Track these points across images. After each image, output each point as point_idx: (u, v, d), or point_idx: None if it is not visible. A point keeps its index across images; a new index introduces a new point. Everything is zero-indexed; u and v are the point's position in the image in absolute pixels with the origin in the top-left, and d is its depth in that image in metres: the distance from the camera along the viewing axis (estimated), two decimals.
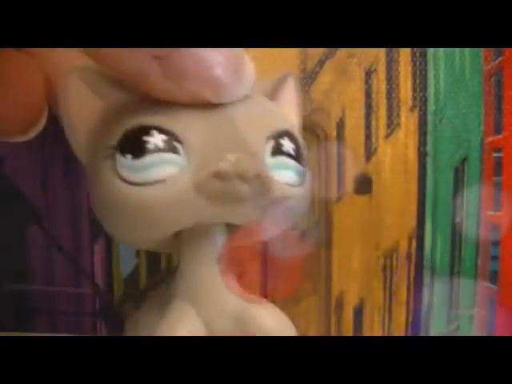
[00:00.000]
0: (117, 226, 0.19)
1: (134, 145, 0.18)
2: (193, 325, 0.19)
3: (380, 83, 0.28)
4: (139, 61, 0.17)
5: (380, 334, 0.29)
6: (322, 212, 0.28)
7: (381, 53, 0.28)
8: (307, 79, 0.28)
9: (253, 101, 0.20)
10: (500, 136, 0.28)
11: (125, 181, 0.18)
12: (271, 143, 0.19)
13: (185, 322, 0.19)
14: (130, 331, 0.22)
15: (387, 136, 0.28)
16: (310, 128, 0.28)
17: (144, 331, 0.20)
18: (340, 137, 0.28)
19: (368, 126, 0.28)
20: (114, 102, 0.19)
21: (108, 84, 0.19)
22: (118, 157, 0.18)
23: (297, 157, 0.19)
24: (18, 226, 0.29)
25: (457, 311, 0.29)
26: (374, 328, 0.29)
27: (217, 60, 0.17)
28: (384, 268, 0.29)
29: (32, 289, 0.29)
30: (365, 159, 0.28)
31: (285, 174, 0.19)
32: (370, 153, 0.28)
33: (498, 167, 0.28)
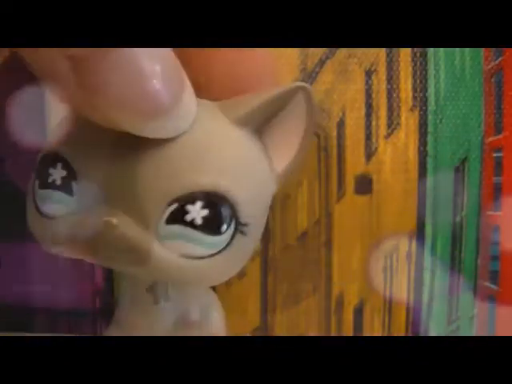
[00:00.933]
0: None
1: (42, 173, 0.17)
2: None
3: (380, 83, 0.28)
4: (50, 60, 0.14)
5: (380, 334, 0.29)
6: (322, 212, 0.28)
7: (381, 53, 0.28)
8: (307, 79, 0.28)
9: (186, 139, 0.16)
10: (500, 136, 0.28)
11: (34, 203, 0.17)
12: (173, 207, 0.16)
13: None
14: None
15: (387, 136, 0.28)
16: None
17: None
18: (340, 137, 0.28)
19: (368, 126, 0.28)
20: None
21: None
22: (36, 177, 0.17)
23: (210, 226, 0.16)
24: (18, 226, 0.29)
25: (457, 311, 0.29)
26: (374, 328, 0.29)
27: (151, 73, 0.14)
28: (384, 268, 0.29)
29: (32, 289, 0.29)
30: (365, 159, 0.28)
31: (183, 244, 0.16)
32: (370, 153, 0.28)
33: (498, 167, 0.28)
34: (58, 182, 0.17)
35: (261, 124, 0.17)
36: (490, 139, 0.28)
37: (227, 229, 0.16)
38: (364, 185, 0.28)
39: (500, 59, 0.28)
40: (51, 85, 0.15)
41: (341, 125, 0.28)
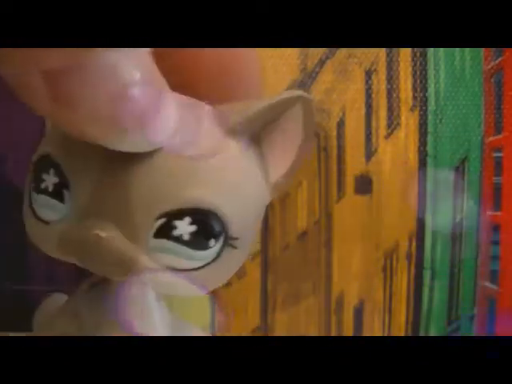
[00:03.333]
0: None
1: (36, 177, 0.17)
2: None
3: (380, 83, 0.28)
4: (24, 72, 0.13)
5: (380, 334, 0.29)
6: (322, 212, 0.29)
7: (381, 53, 0.28)
8: (307, 79, 0.28)
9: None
10: (500, 136, 0.28)
11: (30, 206, 0.17)
12: (161, 222, 0.15)
13: None
14: (44, 325, 0.22)
15: (387, 136, 0.28)
16: None
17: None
18: (340, 137, 0.28)
19: (368, 126, 0.28)
20: None
21: None
22: (32, 179, 0.17)
23: (197, 241, 0.16)
24: (18, 226, 0.29)
25: (457, 311, 0.29)
26: (374, 328, 0.29)
27: (128, 85, 0.13)
28: (384, 268, 0.29)
29: (32, 289, 0.29)
30: (365, 159, 0.28)
31: (169, 257, 0.16)
32: (370, 153, 0.28)
33: (498, 167, 0.28)
34: (50, 189, 0.16)
35: (257, 133, 0.17)
36: (490, 139, 0.28)
37: (216, 243, 0.16)
38: (364, 185, 0.28)
39: (500, 59, 0.28)
40: (25, 97, 0.14)
41: (341, 125, 0.28)
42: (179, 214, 0.15)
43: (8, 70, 0.13)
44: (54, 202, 0.17)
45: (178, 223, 0.15)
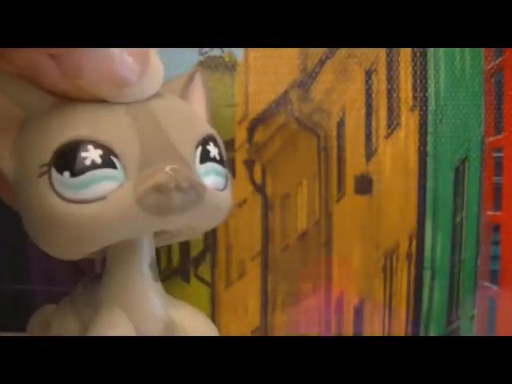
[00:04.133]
0: (52, 243, 0.19)
1: (71, 161, 0.17)
2: (125, 328, 0.19)
3: (380, 83, 0.28)
4: (34, 58, 0.17)
5: (380, 334, 0.29)
6: (322, 212, 0.29)
7: (381, 53, 0.28)
8: (307, 79, 0.28)
9: (174, 103, 0.20)
10: (500, 136, 0.28)
11: (63, 198, 0.17)
12: (199, 150, 0.19)
13: (117, 325, 0.19)
14: (39, 330, 0.23)
15: (387, 136, 0.28)
16: (310, 128, 0.28)
17: (59, 332, 0.21)
18: (340, 137, 0.28)
19: (368, 126, 0.28)
20: (35, 111, 0.18)
21: (25, 91, 0.18)
22: (54, 174, 0.17)
23: (221, 161, 0.20)
24: (19, 226, 0.29)
25: (457, 311, 0.29)
26: (374, 328, 0.29)
27: (117, 56, 0.17)
28: (384, 268, 0.29)
29: (32, 289, 0.29)
30: (365, 159, 0.28)
31: (213, 179, 0.19)
32: (370, 153, 0.28)
33: (498, 167, 0.28)
34: (99, 161, 0.17)
35: (182, 93, 0.22)
36: (490, 139, 0.28)
37: (226, 163, 0.20)
38: (364, 185, 0.28)
39: (500, 59, 0.28)
40: (41, 80, 0.18)
41: (341, 125, 0.28)
42: (206, 141, 0.19)
43: (23, 64, 0.17)
44: (108, 171, 0.17)
45: (209, 147, 0.19)
